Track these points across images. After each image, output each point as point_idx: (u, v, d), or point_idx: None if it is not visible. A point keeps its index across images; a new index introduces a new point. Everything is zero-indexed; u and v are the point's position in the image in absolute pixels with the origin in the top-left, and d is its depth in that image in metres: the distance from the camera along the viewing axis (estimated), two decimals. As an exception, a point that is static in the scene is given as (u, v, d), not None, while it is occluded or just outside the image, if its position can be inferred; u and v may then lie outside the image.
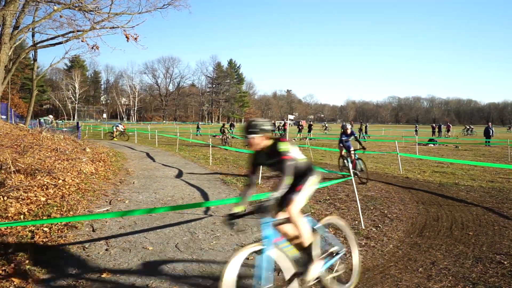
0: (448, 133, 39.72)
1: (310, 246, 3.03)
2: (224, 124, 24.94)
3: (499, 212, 6.18)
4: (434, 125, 43.61)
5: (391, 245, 4.57)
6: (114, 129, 27.58)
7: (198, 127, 37.49)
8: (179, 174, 10.28)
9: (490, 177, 9.95)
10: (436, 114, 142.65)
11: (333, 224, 3.68)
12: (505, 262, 3.94)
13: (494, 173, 10.60)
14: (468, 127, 46.85)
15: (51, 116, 33.65)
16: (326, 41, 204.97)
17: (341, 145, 9.59)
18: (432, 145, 24.13)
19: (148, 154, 15.85)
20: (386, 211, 6.24)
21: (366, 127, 33.31)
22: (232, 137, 29.42)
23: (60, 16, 12.49)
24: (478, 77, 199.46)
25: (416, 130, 42.33)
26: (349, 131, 9.46)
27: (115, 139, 26.31)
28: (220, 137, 23.58)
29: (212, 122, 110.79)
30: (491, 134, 24.58)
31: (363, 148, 9.47)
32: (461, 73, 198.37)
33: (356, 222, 5.56)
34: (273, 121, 41.75)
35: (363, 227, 5.27)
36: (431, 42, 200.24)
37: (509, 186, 8.57)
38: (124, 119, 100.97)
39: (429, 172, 10.84)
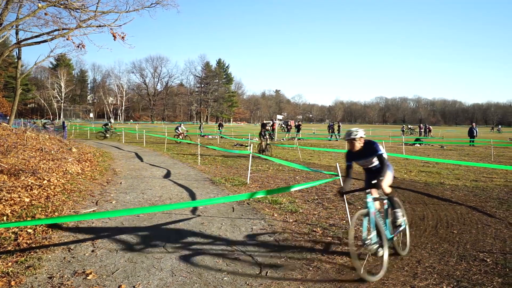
0: (430, 133, 40.20)
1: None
2: (265, 124, 17.78)
3: (483, 210, 6.31)
4: (421, 125, 44.28)
5: (378, 244, 4.62)
6: (178, 131, 24.54)
7: (200, 127, 37.16)
8: (167, 174, 10.21)
9: (474, 176, 10.15)
10: (423, 114, 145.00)
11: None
12: (488, 260, 4.03)
13: (478, 173, 10.82)
14: (409, 127, 48.10)
15: (112, 121, 32.09)
16: (315, 42, 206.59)
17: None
18: (419, 145, 24.52)
19: (135, 154, 15.69)
20: (373, 210, 6.30)
21: (339, 126, 33.48)
22: (221, 137, 29.36)
23: (45, 14, 12.25)
24: (463, 78, 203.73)
25: (403, 131, 42.82)
26: (357, 147, 4.23)
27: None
28: (260, 142, 16.75)
29: (201, 121, 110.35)
30: (475, 134, 25.09)
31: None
32: (447, 74, 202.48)
33: (344, 221, 5.61)
34: (262, 121, 41.76)
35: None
36: (417, 44, 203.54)
37: (492, 185, 8.76)
38: (112, 118, 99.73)
39: (415, 172, 11.00)
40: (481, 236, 4.91)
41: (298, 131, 34.04)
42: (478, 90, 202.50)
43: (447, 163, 12.76)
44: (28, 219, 5.19)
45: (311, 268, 3.88)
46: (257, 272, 3.76)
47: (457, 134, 46.27)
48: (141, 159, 13.98)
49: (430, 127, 43.63)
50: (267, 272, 3.77)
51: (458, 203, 6.87)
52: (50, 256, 4.02)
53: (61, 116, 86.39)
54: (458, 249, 4.41)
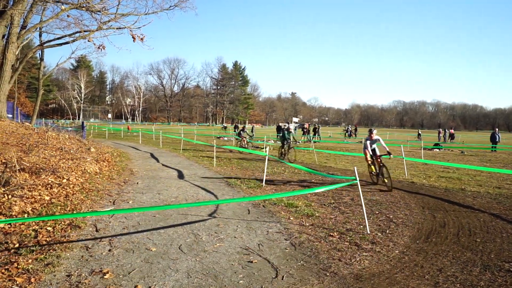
0: (452, 139, 38.53)
1: None
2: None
3: (507, 219, 6.08)
4: (440, 129, 43.06)
5: (397, 251, 4.51)
6: (241, 135, 19.78)
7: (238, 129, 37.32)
8: (183, 175, 10.26)
9: (497, 183, 9.83)
10: (442, 119, 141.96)
11: None
12: (514, 270, 3.87)
13: (501, 179, 10.47)
14: (347, 128, 46.97)
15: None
16: (332, 44, 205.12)
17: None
18: (438, 150, 23.96)
19: (152, 155, 15.86)
20: (391, 216, 6.17)
21: (318, 128, 35.12)
22: (236, 139, 29.40)
23: (68, 16, 12.58)
24: (484, 82, 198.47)
25: (419, 134, 41.58)
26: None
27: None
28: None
29: (216, 123, 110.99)
30: (497, 139, 24.36)
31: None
32: (467, 78, 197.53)
33: (361, 226, 5.49)
34: (278, 124, 41.76)
35: (369, 232, 5.20)
36: (437, 46, 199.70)
37: (516, 192, 8.45)
38: (129, 119, 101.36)
39: (435, 177, 10.73)
40: (506, 245, 4.72)
41: (315, 134, 33.83)
42: (500, 94, 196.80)
43: (468, 169, 12.42)
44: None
45: (328, 274, 3.80)
46: (273, 276, 3.71)
47: (478, 139, 45.04)
48: (157, 159, 14.12)
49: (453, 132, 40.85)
50: (283, 277, 3.71)
51: (480, 211, 6.64)
52: (68, 254, 4.07)
53: (81, 117, 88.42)
54: (481, 258, 4.25)
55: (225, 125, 64.31)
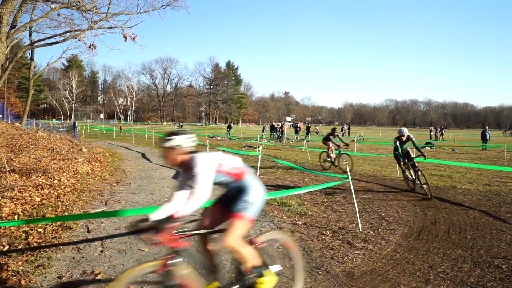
0: (442, 136, 39.33)
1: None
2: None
3: (497, 215, 6.17)
4: (432, 128, 43.49)
5: (388, 248, 4.55)
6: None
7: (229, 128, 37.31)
8: (176, 175, 10.22)
9: (487, 180, 9.95)
10: (433, 117, 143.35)
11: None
12: (503, 266, 3.92)
13: (491, 177, 10.61)
14: (316, 128, 47.62)
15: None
16: (325, 44, 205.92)
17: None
18: (429, 148, 24.18)
19: (144, 155, 15.77)
20: (383, 214, 6.22)
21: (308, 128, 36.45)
22: (230, 139, 29.44)
23: (58, 15, 12.42)
24: (475, 81, 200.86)
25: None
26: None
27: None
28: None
29: (209, 123, 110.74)
30: (488, 137, 24.66)
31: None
32: (458, 76, 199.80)
33: (354, 224, 5.53)
34: (271, 123, 41.79)
35: (361, 230, 5.24)
36: (428, 45, 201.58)
37: (506, 189, 8.57)
38: (122, 119, 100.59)
39: (426, 175, 10.80)
40: (496, 242, 4.78)
41: (307, 133, 33.97)
42: (490, 92, 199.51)
43: (458, 167, 12.54)
44: (39, 218, 5.23)
45: (320, 272, 3.82)
46: (266, 275, 3.71)
47: (469, 137, 45.54)
48: (150, 160, 14.05)
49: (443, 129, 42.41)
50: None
51: (471, 208, 6.73)
52: (59, 256, 4.03)
53: (72, 117, 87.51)
54: (471, 254, 4.30)
55: (181, 124, 65.02)
